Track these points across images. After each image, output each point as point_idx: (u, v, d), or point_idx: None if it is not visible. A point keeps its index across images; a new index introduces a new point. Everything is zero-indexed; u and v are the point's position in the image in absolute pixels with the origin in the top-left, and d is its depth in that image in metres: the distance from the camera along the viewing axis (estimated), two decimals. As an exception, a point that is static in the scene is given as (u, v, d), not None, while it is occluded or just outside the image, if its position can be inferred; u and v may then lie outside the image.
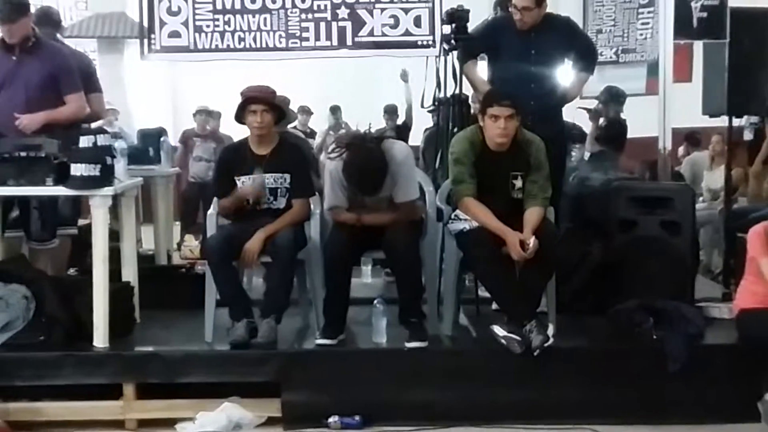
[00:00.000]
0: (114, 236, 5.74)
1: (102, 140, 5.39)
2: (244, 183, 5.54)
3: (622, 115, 8.92)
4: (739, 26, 6.44)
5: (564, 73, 6.26)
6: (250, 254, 5.37)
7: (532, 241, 5.13)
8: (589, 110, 9.05)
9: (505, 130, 5.33)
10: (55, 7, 6.75)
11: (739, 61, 6.39)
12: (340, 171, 5.38)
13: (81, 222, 6.47)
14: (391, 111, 11.22)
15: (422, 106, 7.12)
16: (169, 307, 6.02)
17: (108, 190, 5.32)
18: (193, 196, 10.76)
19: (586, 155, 8.01)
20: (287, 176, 5.57)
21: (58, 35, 6.49)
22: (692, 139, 10.14)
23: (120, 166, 5.56)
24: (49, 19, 6.41)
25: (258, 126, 5.50)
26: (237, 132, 6.50)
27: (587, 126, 8.89)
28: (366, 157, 5.31)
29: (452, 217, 5.51)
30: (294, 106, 10.95)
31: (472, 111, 6.43)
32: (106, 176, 5.31)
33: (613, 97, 8.99)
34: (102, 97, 6.37)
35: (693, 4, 6.65)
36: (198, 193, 10.59)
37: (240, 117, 5.57)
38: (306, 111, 12.28)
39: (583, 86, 6.53)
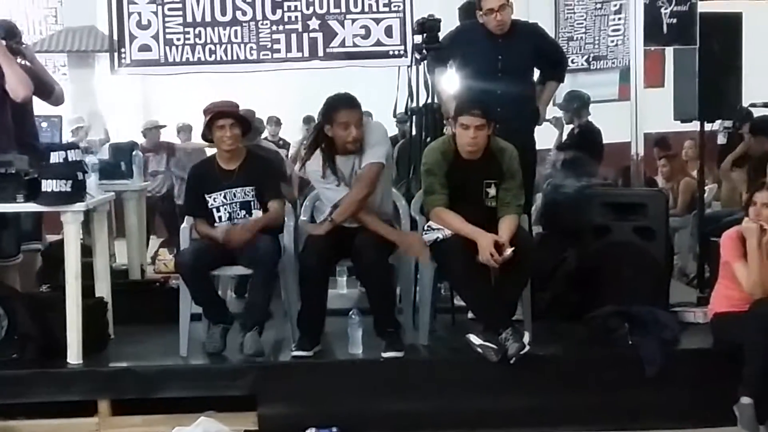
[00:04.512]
0: (87, 251, 5.70)
1: (73, 155, 5.34)
2: (218, 226, 5.51)
3: (595, 122, 8.97)
4: (709, 31, 6.48)
5: (532, 80, 6.27)
6: (237, 236, 5.36)
7: (509, 250, 5.13)
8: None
9: (474, 139, 5.33)
10: (11, 20, 6.63)
11: (710, 66, 6.43)
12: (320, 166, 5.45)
13: (53, 238, 6.41)
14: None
15: (394, 116, 7.11)
16: (144, 321, 5.97)
17: (80, 206, 5.28)
18: (148, 210, 10.71)
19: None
20: (254, 188, 5.56)
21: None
22: (663, 144, 10.18)
23: (91, 181, 5.54)
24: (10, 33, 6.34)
25: (227, 141, 5.48)
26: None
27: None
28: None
29: (426, 227, 5.49)
30: (265, 117, 10.98)
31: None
32: (78, 192, 5.27)
33: (584, 104, 9.03)
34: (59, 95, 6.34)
35: (663, 10, 6.67)
36: (153, 206, 10.54)
37: (206, 134, 5.55)
38: (276, 122, 12.28)
39: (554, 94, 6.57)
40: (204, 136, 5.62)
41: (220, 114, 5.47)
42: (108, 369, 5.42)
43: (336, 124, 5.38)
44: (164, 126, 11.31)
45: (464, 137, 5.35)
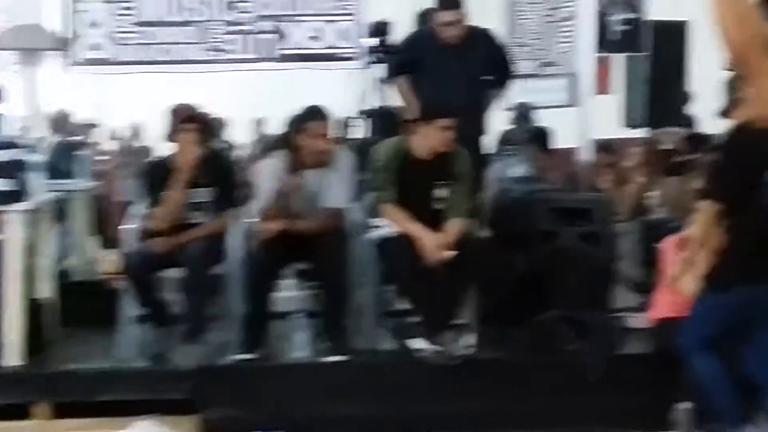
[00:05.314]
0: (29, 252, 5.62)
1: (15, 154, 5.28)
2: None
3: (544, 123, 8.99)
4: (658, 39, 6.55)
5: (483, 86, 6.30)
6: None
7: (450, 252, 5.15)
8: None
9: (449, 140, 5.39)
10: None
11: (659, 73, 6.50)
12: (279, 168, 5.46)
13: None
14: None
15: (346, 120, 7.12)
16: (86, 323, 5.90)
17: (23, 205, 5.22)
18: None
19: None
20: (211, 190, 5.54)
21: None
22: (607, 150, 10.26)
23: (35, 180, 5.47)
24: None
25: (190, 146, 5.46)
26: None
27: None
28: None
29: (373, 224, 5.48)
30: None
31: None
32: (20, 191, 5.22)
33: (529, 110, 9.07)
34: None
35: (612, 18, 6.74)
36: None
37: (170, 135, 5.53)
38: (221, 123, 12.22)
39: (497, 100, 6.62)
40: (168, 137, 5.57)
41: (188, 119, 5.48)
42: (48, 371, 5.36)
43: (307, 135, 5.41)
44: (95, 125, 11.21)
45: (440, 139, 5.37)
